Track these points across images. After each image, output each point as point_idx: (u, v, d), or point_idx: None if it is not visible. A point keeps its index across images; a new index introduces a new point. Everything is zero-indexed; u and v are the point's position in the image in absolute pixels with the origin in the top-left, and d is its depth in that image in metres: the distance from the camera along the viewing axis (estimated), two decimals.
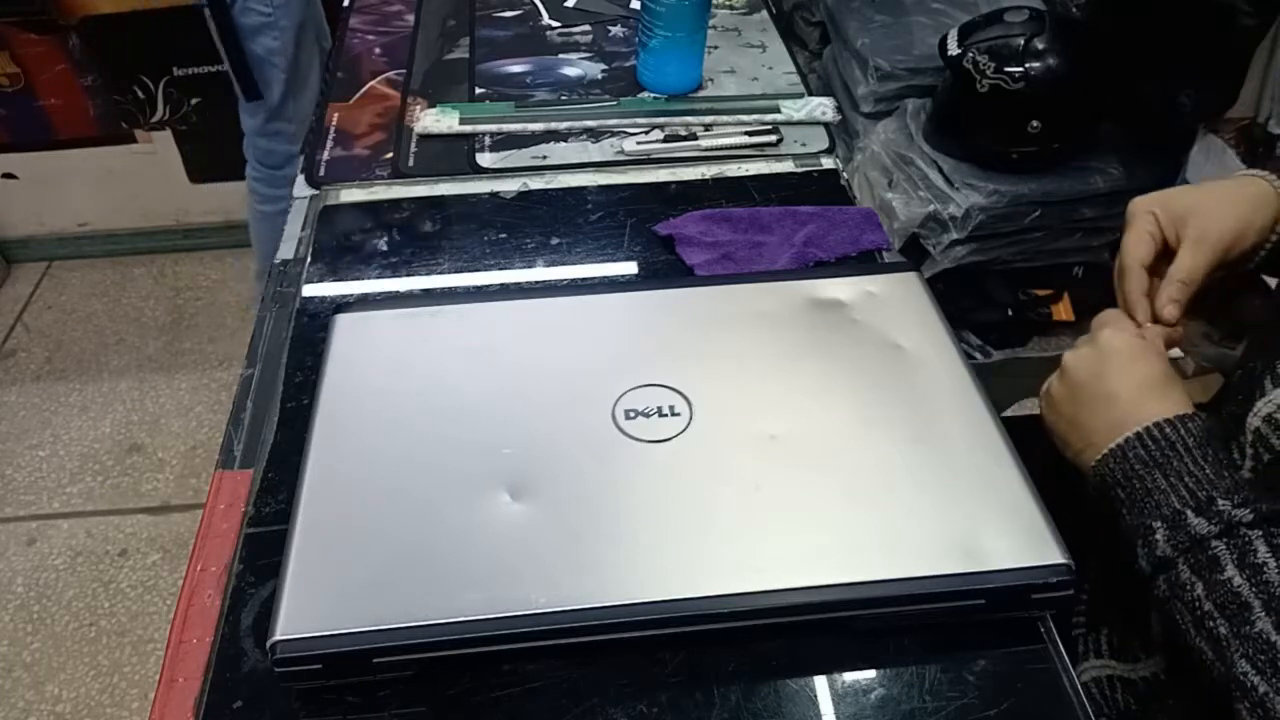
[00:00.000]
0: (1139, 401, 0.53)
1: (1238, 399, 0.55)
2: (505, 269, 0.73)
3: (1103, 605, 0.61)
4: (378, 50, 1.01)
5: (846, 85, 1.48)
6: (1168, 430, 0.51)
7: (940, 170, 1.27)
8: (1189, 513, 0.48)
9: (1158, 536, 0.49)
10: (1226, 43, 1.06)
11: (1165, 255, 0.58)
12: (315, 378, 0.56)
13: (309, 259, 0.73)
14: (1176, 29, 1.13)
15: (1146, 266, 0.58)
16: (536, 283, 0.72)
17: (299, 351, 0.64)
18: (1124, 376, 0.55)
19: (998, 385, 0.69)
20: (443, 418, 0.53)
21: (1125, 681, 0.57)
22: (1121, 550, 0.52)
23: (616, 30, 1.03)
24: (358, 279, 0.72)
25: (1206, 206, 0.57)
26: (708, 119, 0.89)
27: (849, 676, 0.48)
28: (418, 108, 0.91)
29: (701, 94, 0.93)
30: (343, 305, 0.62)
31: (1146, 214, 0.58)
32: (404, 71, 0.97)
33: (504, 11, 1.07)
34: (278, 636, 0.44)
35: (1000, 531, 0.48)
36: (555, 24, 1.05)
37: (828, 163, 0.85)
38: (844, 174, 0.85)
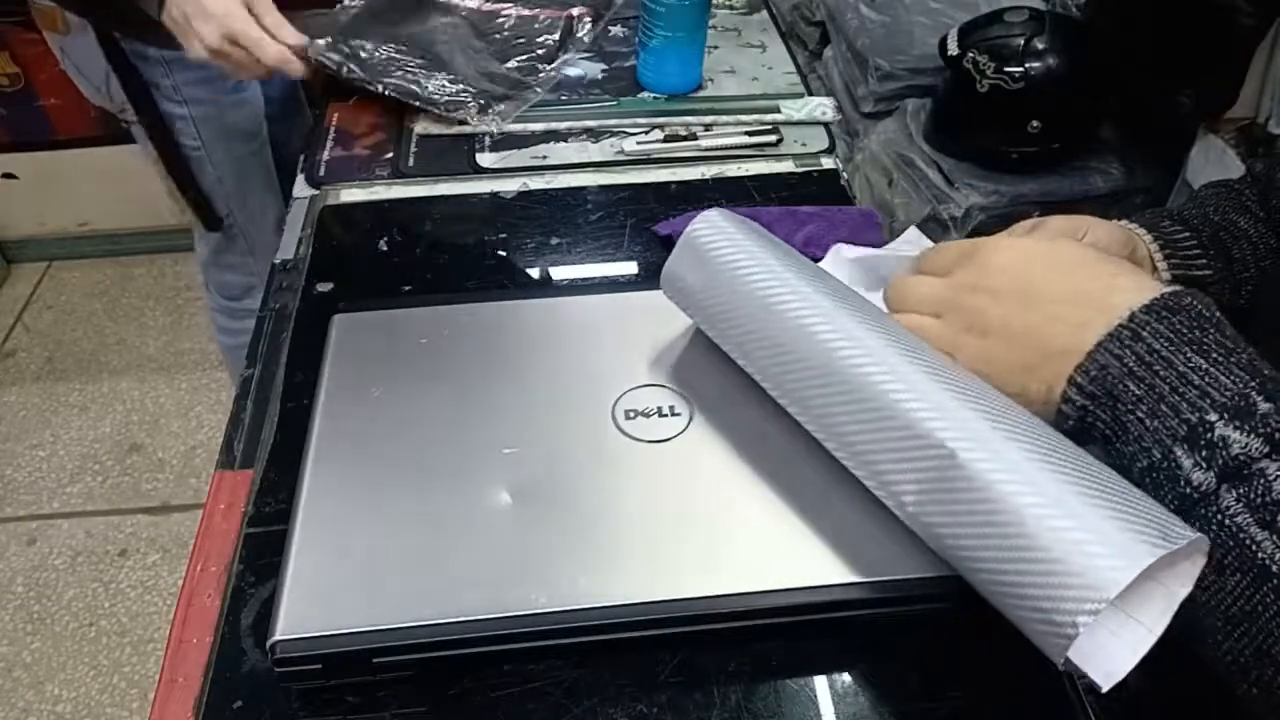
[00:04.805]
0: (1116, 286, 0.43)
1: None
2: (505, 269, 0.73)
3: None
4: None
5: (846, 85, 1.48)
6: (1187, 300, 0.41)
7: (940, 170, 1.27)
8: (1255, 396, 0.38)
9: (1225, 432, 0.38)
10: (1226, 43, 1.06)
11: None
12: (315, 378, 0.56)
13: (309, 259, 0.73)
14: (1176, 29, 1.13)
15: None
16: (536, 283, 0.72)
17: (299, 351, 0.64)
18: (1073, 270, 0.45)
19: None
20: (442, 418, 0.53)
21: (1124, 685, 0.57)
22: None
23: (616, 30, 1.03)
24: (358, 279, 0.72)
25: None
26: (708, 119, 0.89)
27: (849, 676, 0.48)
28: None
29: (701, 94, 0.93)
30: (342, 305, 0.62)
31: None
32: None
33: None
34: (277, 636, 0.44)
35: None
36: None
37: (828, 163, 0.85)
38: (844, 174, 0.85)
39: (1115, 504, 0.39)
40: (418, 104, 0.86)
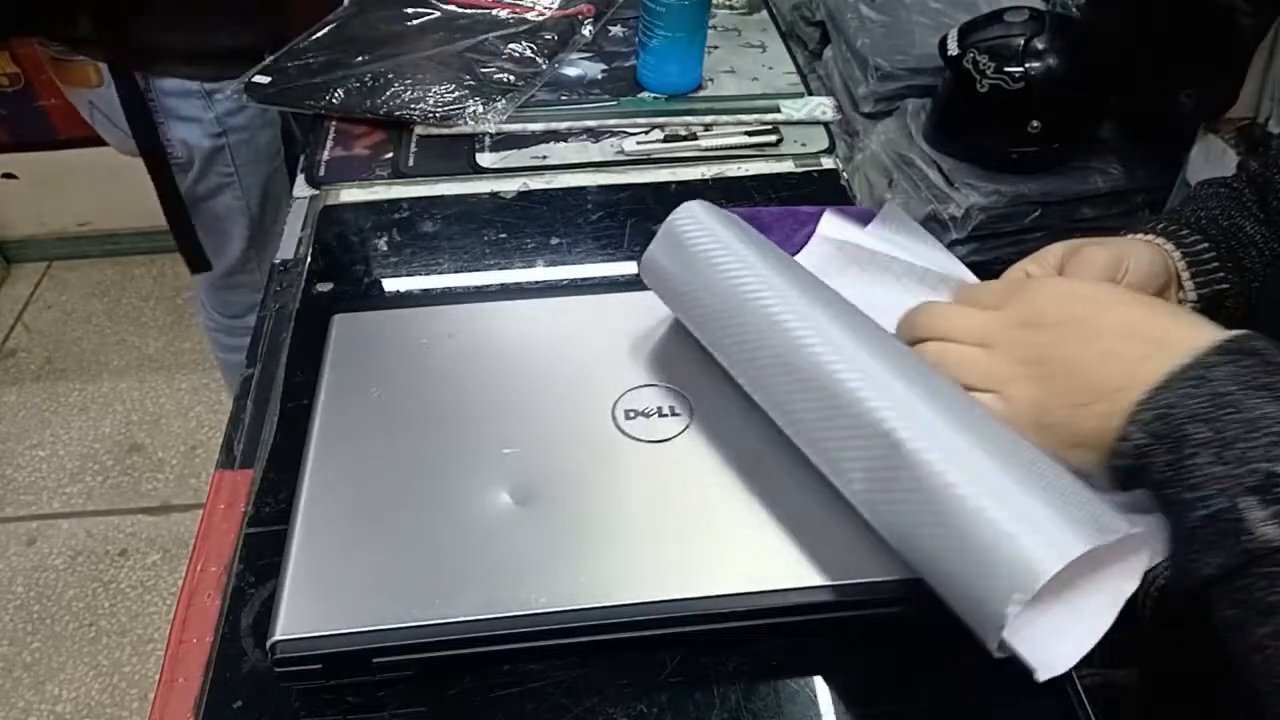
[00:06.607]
0: (1174, 324, 0.42)
1: None
2: (505, 269, 0.73)
3: None
4: None
5: (846, 85, 1.48)
6: (1257, 344, 0.39)
7: (940, 170, 1.27)
8: None
9: None
10: (1226, 43, 1.06)
11: None
12: (315, 378, 0.56)
13: (309, 259, 0.73)
14: (1176, 29, 1.13)
15: None
16: (536, 283, 0.72)
17: (299, 351, 0.64)
18: (1127, 306, 0.44)
19: None
20: (442, 418, 0.53)
21: (1119, 688, 0.57)
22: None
23: (616, 30, 1.03)
24: (357, 279, 0.72)
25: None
26: (708, 119, 0.89)
27: (849, 676, 0.48)
28: None
29: (701, 94, 0.93)
30: (342, 305, 0.62)
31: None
32: None
33: None
34: (278, 636, 0.44)
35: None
36: None
37: (828, 163, 0.85)
38: (844, 174, 0.85)
39: (1053, 496, 0.39)
40: (416, 118, 0.86)
